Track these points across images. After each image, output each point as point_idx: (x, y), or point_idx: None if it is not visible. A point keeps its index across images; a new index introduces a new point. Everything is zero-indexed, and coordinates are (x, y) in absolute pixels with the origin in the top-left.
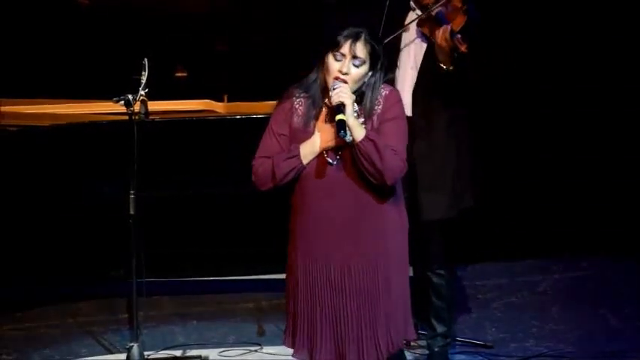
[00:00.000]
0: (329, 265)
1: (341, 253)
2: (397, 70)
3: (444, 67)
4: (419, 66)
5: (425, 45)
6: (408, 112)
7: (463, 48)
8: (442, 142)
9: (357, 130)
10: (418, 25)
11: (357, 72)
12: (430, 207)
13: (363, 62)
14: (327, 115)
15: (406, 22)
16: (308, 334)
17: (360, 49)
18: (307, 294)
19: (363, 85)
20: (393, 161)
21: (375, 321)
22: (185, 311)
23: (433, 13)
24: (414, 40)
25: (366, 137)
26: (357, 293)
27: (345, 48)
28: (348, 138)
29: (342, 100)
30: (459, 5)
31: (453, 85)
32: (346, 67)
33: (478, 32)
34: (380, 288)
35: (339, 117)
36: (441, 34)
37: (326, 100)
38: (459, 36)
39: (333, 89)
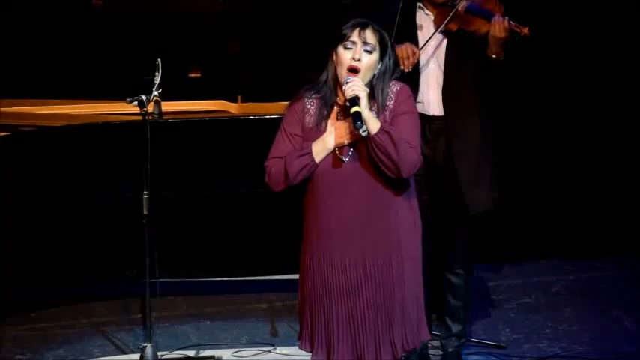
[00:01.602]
0: (344, 262)
1: (356, 250)
2: (419, 71)
3: (496, 57)
4: (442, 65)
5: (444, 42)
6: (439, 111)
7: (526, 30)
8: (479, 139)
9: (372, 123)
10: (438, 22)
11: (369, 59)
12: (474, 202)
13: (374, 49)
14: (338, 113)
15: (418, 23)
16: (326, 334)
17: (370, 36)
18: (323, 293)
19: (374, 77)
20: (409, 154)
21: (391, 317)
22: (198, 311)
23: (461, 9)
24: (432, 39)
25: (382, 129)
26: (374, 289)
27: (355, 36)
28: (364, 131)
29: (356, 93)
30: None
31: (501, 74)
32: (358, 54)
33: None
34: (394, 284)
35: (354, 109)
36: (498, 27)
37: (337, 99)
38: (513, 22)
39: (347, 83)
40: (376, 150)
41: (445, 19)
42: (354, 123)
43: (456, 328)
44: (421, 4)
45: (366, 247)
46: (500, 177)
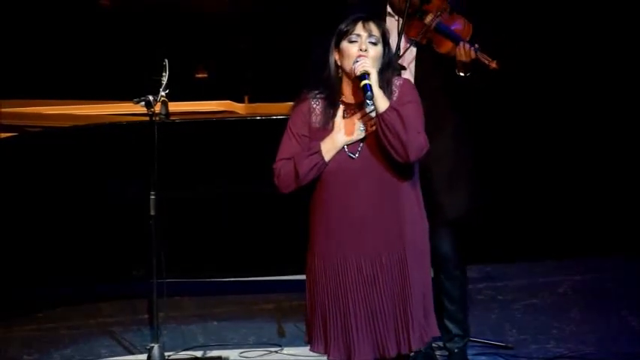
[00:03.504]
0: (359, 260)
1: (370, 248)
2: None
3: (462, 74)
4: (413, 72)
5: (414, 50)
6: None
7: (494, 65)
8: (452, 143)
9: (381, 100)
10: (412, 35)
11: (375, 50)
12: (451, 206)
13: (379, 40)
14: (345, 111)
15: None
16: (343, 335)
17: (374, 28)
18: (338, 293)
19: (378, 71)
20: (416, 137)
21: (407, 311)
22: (205, 312)
23: (432, 26)
24: (401, 47)
25: (390, 107)
26: (390, 284)
27: (359, 28)
28: (371, 105)
29: (366, 69)
30: (444, 5)
31: (469, 90)
32: (365, 44)
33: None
34: (408, 278)
35: (364, 82)
36: (464, 53)
37: (342, 97)
38: (480, 53)
39: (356, 62)
40: (385, 129)
41: (416, 31)
42: (364, 94)
43: (456, 329)
44: (390, 11)
45: (379, 243)
46: (477, 182)
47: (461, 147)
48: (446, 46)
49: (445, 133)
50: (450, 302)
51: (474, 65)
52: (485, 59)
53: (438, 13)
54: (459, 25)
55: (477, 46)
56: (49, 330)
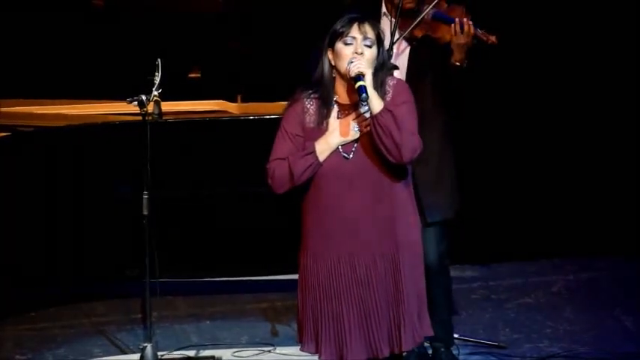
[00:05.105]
0: (353, 261)
1: (364, 248)
2: None
3: (459, 64)
4: (405, 71)
5: (407, 49)
6: None
7: (493, 39)
8: (439, 145)
9: (375, 102)
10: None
11: (370, 52)
12: (432, 209)
13: (374, 43)
14: (339, 111)
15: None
16: (335, 334)
17: (369, 30)
18: (331, 293)
19: (372, 73)
20: (410, 137)
21: (400, 312)
22: (199, 311)
23: (429, 17)
24: (394, 47)
25: (385, 108)
26: (384, 285)
27: (354, 31)
28: (365, 105)
29: (360, 70)
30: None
31: (464, 82)
32: (360, 48)
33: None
34: (402, 279)
35: (359, 83)
36: (465, 31)
37: (336, 97)
38: (480, 31)
39: (351, 62)
40: (379, 130)
41: (410, 25)
42: (360, 95)
43: (442, 331)
44: (386, 11)
45: (373, 243)
46: (461, 185)
47: (447, 148)
48: (442, 30)
49: (430, 135)
50: (434, 302)
51: (473, 44)
52: (483, 35)
53: (434, 2)
54: (457, 13)
55: (480, 31)
56: (42, 329)
